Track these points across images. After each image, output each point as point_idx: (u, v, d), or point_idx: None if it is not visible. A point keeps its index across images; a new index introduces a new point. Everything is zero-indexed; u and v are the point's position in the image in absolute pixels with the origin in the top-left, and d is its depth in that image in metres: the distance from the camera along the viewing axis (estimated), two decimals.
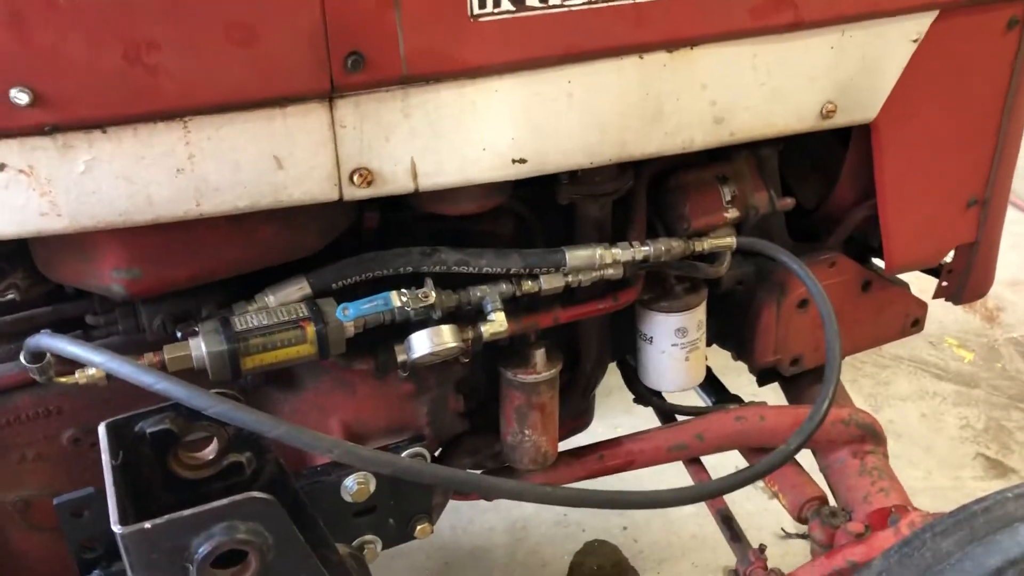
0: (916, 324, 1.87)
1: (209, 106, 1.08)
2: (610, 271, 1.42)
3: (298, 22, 1.07)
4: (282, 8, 1.06)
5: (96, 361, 1.00)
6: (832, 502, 1.65)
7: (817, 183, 1.75)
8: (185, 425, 1.02)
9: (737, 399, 1.85)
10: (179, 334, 1.25)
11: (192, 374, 1.21)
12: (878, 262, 1.80)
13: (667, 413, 1.87)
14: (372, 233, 1.40)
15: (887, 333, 1.85)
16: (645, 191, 1.52)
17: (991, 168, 1.69)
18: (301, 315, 1.25)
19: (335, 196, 1.19)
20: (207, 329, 1.21)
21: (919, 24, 1.45)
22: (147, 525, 0.82)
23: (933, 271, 1.84)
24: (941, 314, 3.07)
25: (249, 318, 1.24)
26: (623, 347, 1.73)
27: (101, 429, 0.99)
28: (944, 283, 1.84)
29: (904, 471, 2.64)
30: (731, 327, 1.76)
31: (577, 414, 1.76)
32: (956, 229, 1.73)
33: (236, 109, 1.09)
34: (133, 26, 1.01)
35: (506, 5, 1.16)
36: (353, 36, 1.10)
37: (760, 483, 2.53)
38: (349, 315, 1.25)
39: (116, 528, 0.83)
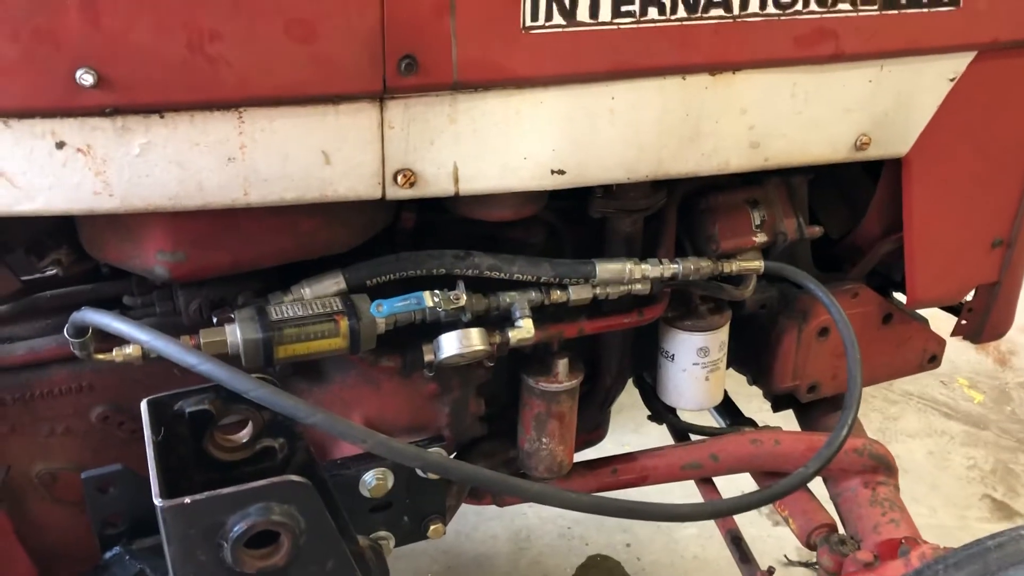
0: (933, 360, 1.89)
1: (265, 98, 1.11)
2: (638, 286, 1.44)
3: (357, 23, 1.10)
4: (342, 8, 1.08)
5: (142, 339, 1.02)
6: (841, 530, 1.66)
7: (844, 214, 1.77)
8: (223, 407, 1.04)
9: (751, 422, 1.87)
10: (215, 319, 1.28)
11: (224, 359, 1.24)
12: (899, 296, 1.82)
13: (681, 432, 1.89)
14: (407, 233, 1.42)
15: (904, 367, 1.87)
16: (676, 210, 1.54)
17: (1017, 210, 1.71)
18: (335, 309, 1.27)
19: (378, 195, 1.22)
20: (243, 316, 1.23)
21: (957, 64, 1.48)
22: (187, 500, 0.84)
23: (953, 309, 1.86)
24: (954, 354, 3.08)
25: (284, 308, 1.26)
26: (642, 364, 1.75)
27: (144, 405, 1.01)
28: (963, 321, 1.86)
29: (909, 507, 2.65)
30: (750, 350, 1.77)
31: (593, 427, 1.78)
32: (979, 268, 1.75)
33: (290, 103, 1.12)
34: (198, 16, 1.04)
35: (557, 19, 1.19)
36: (408, 40, 1.13)
37: (766, 509, 2.55)
38: (383, 312, 1.27)
39: (158, 501, 0.86)
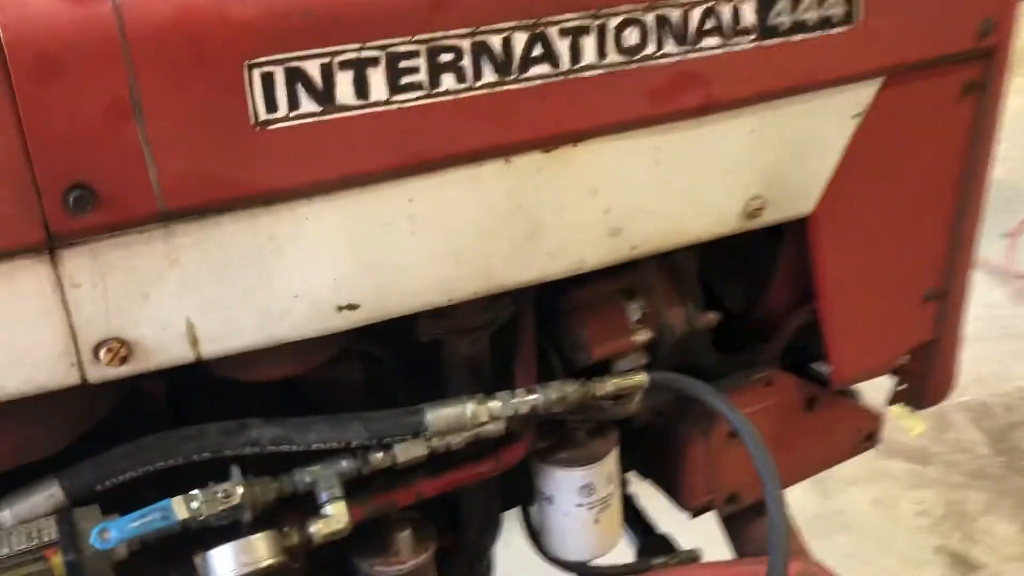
0: (871, 438, 1.58)
1: None
2: (490, 427, 1.09)
3: None
4: None
5: None
6: None
7: (746, 282, 1.45)
8: None
9: (665, 543, 1.53)
10: None
11: None
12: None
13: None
14: (159, 402, 1.05)
15: (838, 454, 1.56)
16: (533, 315, 1.20)
17: (948, 254, 1.41)
18: (45, 540, 0.89)
19: (75, 379, 0.84)
20: None
21: (860, 95, 1.17)
22: None
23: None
24: (883, 378, 2.83)
25: None
26: (518, 498, 1.39)
27: None
28: (901, 387, 1.56)
29: (859, 572, 2.37)
30: (655, 459, 1.44)
31: None
32: (912, 328, 1.45)
33: None
34: None
35: (308, 106, 0.83)
36: (74, 163, 0.76)
37: None
38: (110, 540, 0.89)
39: None
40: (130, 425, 0.99)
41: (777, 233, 1.34)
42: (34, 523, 0.91)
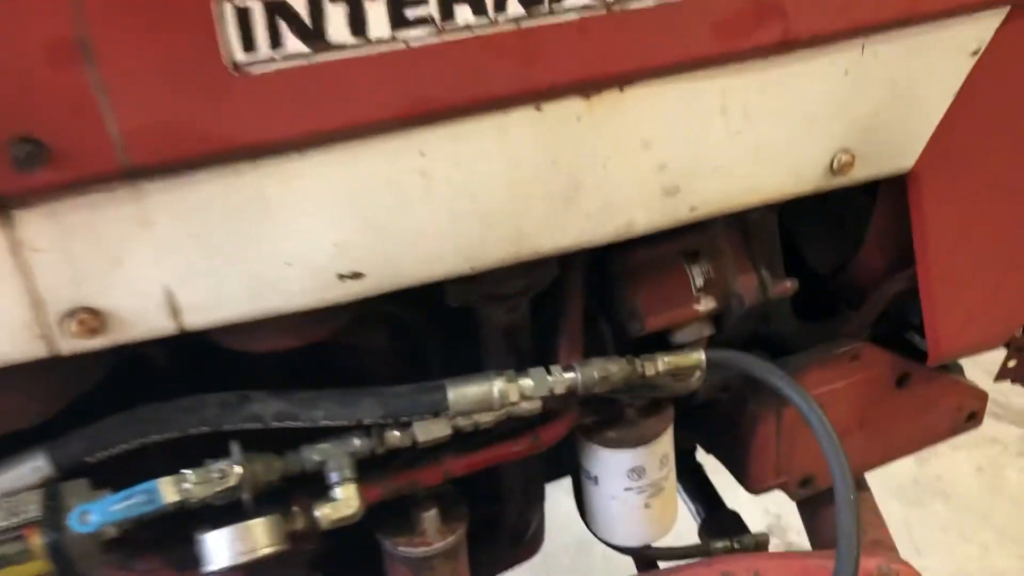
0: (972, 418, 1.40)
1: None
2: (524, 405, 0.97)
3: None
4: None
5: None
6: None
7: (835, 241, 1.28)
8: None
9: (734, 519, 1.41)
10: None
11: None
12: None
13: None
14: (164, 368, 0.97)
15: (933, 434, 1.39)
16: (581, 278, 1.07)
17: None
18: (27, 517, 0.83)
19: (43, 352, 0.76)
20: None
21: (979, 29, 0.98)
22: None
23: None
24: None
25: None
26: (567, 465, 1.28)
27: None
28: (1012, 362, 1.38)
29: (957, 546, 2.19)
30: (720, 437, 1.31)
31: (515, 553, 1.32)
32: None
33: None
34: None
35: (294, 45, 0.71)
36: (16, 116, 0.66)
37: None
38: (90, 524, 0.82)
39: None
40: (135, 393, 0.92)
41: (872, 187, 1.17)
42: (17, 498, 0.85)
